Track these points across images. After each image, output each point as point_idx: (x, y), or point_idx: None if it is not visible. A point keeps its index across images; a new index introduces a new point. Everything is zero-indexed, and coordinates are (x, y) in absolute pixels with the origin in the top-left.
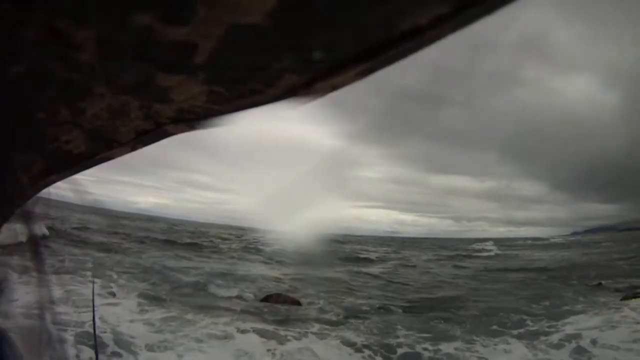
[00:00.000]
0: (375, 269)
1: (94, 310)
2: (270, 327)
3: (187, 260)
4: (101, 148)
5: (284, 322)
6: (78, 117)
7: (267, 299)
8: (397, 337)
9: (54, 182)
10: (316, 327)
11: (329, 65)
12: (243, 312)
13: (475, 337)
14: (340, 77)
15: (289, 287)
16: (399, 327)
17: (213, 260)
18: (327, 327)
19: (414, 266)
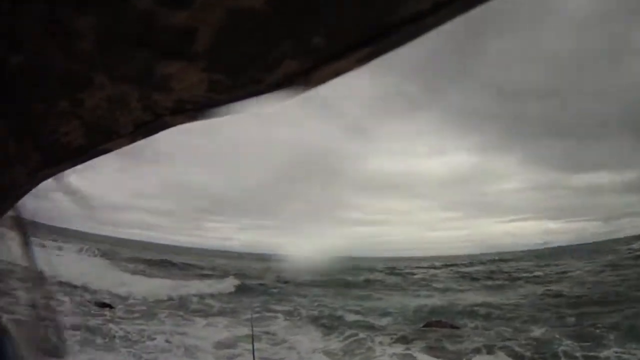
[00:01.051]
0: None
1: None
2: None
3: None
4: (100, 140)
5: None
6: (77, 108)
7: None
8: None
9: (52, 174)
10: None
11: (329, 51)
12: None
13: None
14: (340, 64)
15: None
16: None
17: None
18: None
19: (581, 281)
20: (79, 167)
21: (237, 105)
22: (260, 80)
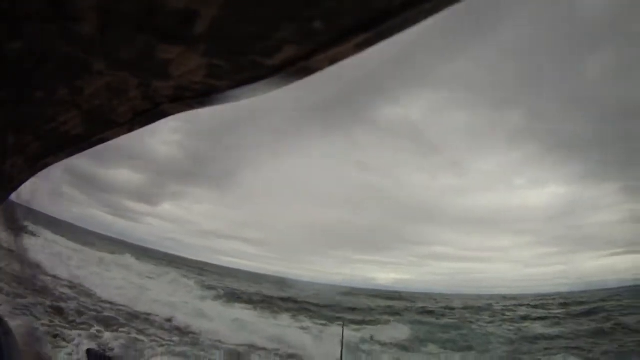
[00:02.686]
0: None
1: None
2: None
3: None
4: (98, 129)
5: None
6: (76, 96)
7: None
8: None
9: (51, 164)
10: None
11: (329, 36)
12: None
13: None
14: (339, 49)
15: None
16: None
17: None
18: None
19: None
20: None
21: (236, 92)
22: (260, 65)
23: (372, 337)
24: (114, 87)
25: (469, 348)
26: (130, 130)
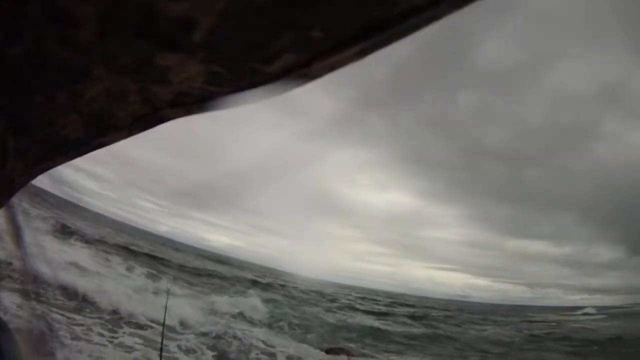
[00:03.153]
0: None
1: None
2: None
3: None
4: (98, 133)
5: None
6: (75, 100)
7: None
8: None
9: (50, 168)
10: None
11: (328, 44)
12: None
13: None
14: (338, 57)
15: None
16: None
17: None
18: None
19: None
20: None
21: (236, 98)
22: (259, 72)
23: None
24: (114, 92)
25: (291, 327)
26: (129, 134)
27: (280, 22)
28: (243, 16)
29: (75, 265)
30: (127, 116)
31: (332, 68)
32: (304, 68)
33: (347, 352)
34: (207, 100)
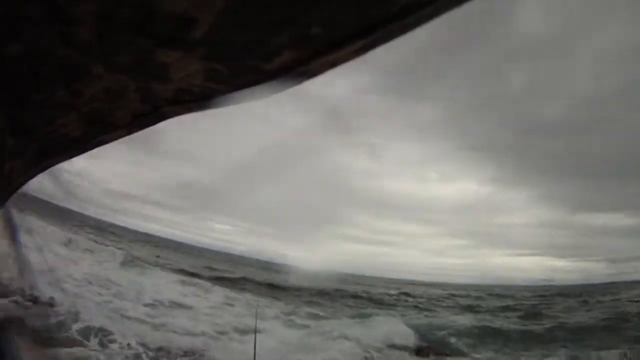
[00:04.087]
0: None
1: None
2: None
3: None
4: (97, 131)
5: None
6: (75, 99)
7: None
8: None
9: (49, 166)
10: None
11: (327, 41)
12: None
13: None
14: (338, 54)
15: None
16: None
17: None
18: None
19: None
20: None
21: (235, 95)
22: (258, 69)
23: None
24: (113, 90)
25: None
26: (129, 132)
27: (279, 19)
28: (243, 13)
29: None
30: (126, 114)
31: (331, 65)
32: (303, 65)
33: (436, 352)
34: (207, 98)
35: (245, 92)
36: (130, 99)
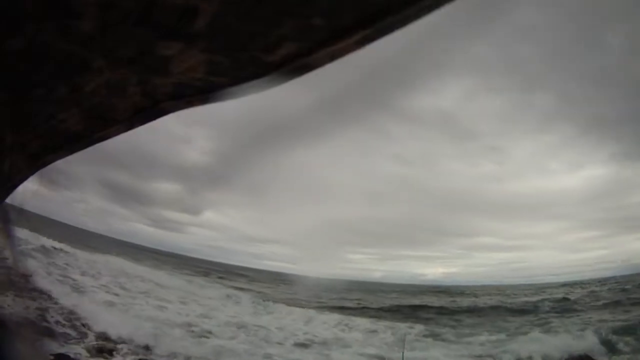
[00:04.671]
0: None
1: None
2: None
3: None
4: (98, 126)
5: None
6: (75, 93)
7: None
8: None
9: (50, 162)
10: None
11: (329, 32)
12: None
13: None
14: (339, 45)
15: None
16: None
17: None
18: None
19: None
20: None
21: (236, 89)
22: (259, 61)
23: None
24: (114, 85)
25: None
26: (129, 127)
27: (281, 10)
28: (244, 4)
29: None
30: (127, 109)
31: (332, 57)
32: (304, 57)
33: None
34: (208, 92)
35: (246, 85)
36: (131, 93)
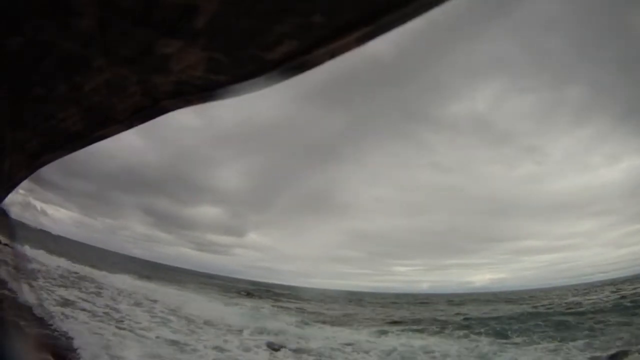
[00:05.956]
0: None
1: None
2: None
3: None
4: (98, 126)
5: None
6: (75, 92)
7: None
8: None
9: (50, 161)
10: None
11: (329, 29)
12: None
13: None
14: (339, 43)
15: None
16: None
17: None
18: None
19: None
20: None
21: (236, 87)
22: (259, 59)
23: None
24: (114, 84)
25: None
26: (129, 127)
27: (281, 7)
28: (245, 2)
29: None
30: (127, 108)
31: (333, 55)
32: (304, 54)
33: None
34: (208, 90)
35: (246, 83)
36: (131, 92)
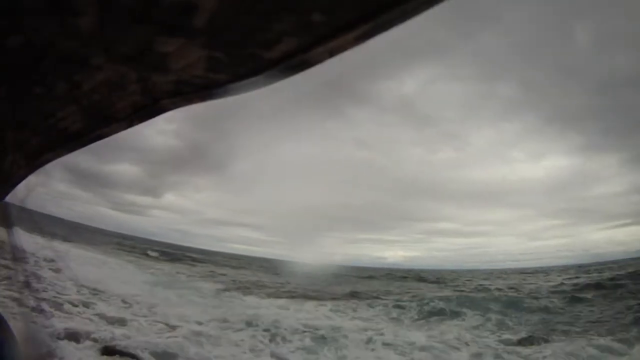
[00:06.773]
0: None
1: None
2: None
3: None
4: (98, 124)
5: None
6: (75, 91)
7: None
8: None
9: (50, 160)
10: None
11: (329, 28)
12: None
13: None
14: (339, 41)
15: None
16: None
17: None
18: None
19: None
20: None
21: (236, 86)
22: (259, 58)
23: None
24: (113, 82)
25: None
26: (129, 125)
27: (280, 5)
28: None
29: None
30: (127, 107)
31: (332, 53)
32: (304, 53)
33: None
34: (207, 89)
35: (245, 82)
36: (131, 91)
